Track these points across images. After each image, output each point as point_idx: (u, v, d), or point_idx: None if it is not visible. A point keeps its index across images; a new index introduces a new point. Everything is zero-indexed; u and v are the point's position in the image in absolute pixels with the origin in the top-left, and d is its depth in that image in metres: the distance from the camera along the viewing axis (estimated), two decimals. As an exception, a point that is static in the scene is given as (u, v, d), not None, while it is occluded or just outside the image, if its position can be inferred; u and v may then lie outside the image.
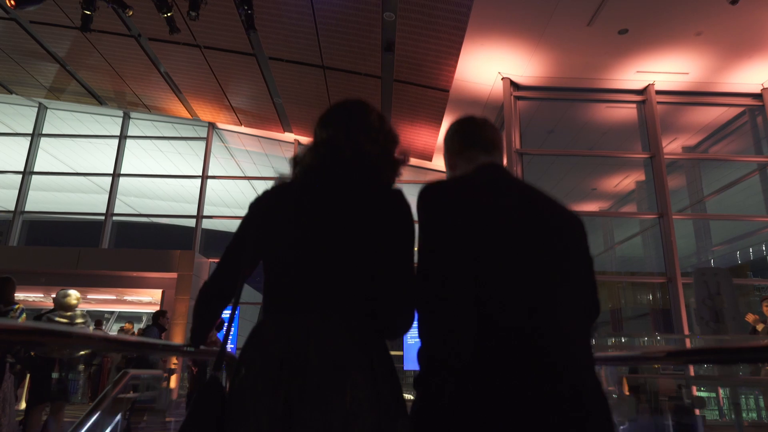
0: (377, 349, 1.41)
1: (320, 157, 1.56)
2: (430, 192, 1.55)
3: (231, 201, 20.07)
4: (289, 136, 16.43)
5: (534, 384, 1.24)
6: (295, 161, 1.64)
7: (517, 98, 11.33)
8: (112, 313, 23.57)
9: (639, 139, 12.49)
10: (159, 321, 7.52)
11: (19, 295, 18.14)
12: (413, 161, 16.32)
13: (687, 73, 10.58)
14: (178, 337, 13.82)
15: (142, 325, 16.66)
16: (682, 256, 11.69)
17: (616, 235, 17.52)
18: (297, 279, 1.42)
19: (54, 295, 6.20)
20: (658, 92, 11.10)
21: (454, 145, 1.81)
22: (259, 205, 1.59)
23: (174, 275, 14.54)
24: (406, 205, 1.58)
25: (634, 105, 11.69)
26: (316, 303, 1.39)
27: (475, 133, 1.73)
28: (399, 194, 1.61)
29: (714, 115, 12.35)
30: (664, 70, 10.51)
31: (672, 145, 12.88)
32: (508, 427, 1.21)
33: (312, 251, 1.44)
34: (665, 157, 10.95)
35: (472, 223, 1.39)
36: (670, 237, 10.43)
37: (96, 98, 15.19)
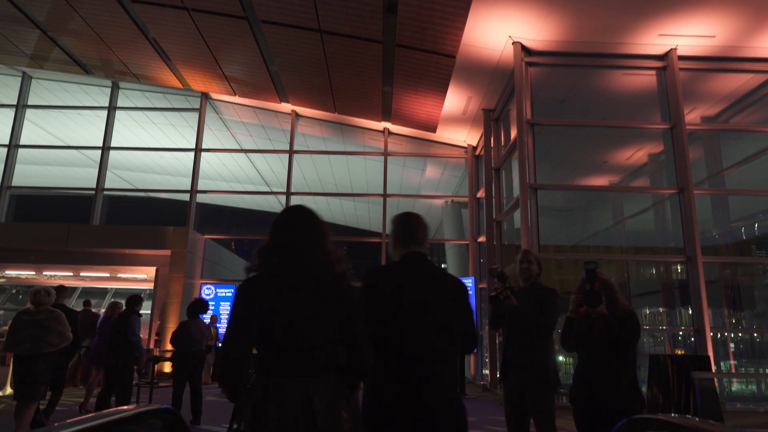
0: (346, 390, 2.00)
1: (285, 260, 2.06)
2: (368, 275, 2.36)
3: (228, 175, 19.43)
4: (286, 107, 15.68)
5: (406, 394, 2.15)
6: (261, 256, 2.09)
7: (529, 64, 10.56)
8: (107, 290, 23.19)
9: (656, 109, 11.74)
10: (136, 308, 6.95)
11: (11, 273, 17.73)
12: (416, 133, 15.59)
13: (713, 36, 9.79)
14: (173, 318, 13.33)
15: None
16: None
17: (626, 209, 16.89)
18: (291, 350, 1.93)
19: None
20: (681, 58, 10.32)
21: (394, 238, 2.56)
22: (254, 289, 2.01)
23: (167, 252, 13.98)
24: (352, 289, 2.09)
25: (654, 72, 10.92)
26: (308, 367, 1.94)
27: (408, 230, 2.52)
28: (347, 282, 2.11)
29: (737, 83, 11.58)
30: (688, 33, 9.71)
31: (690, 116, 12.12)
32: (387, 420, 2.13)
33: (299, 329, 1.95)
34: (687, 127, 10.23)
35: (388, 296, 2.28)
36: (690, 213, 9.79)
37: (81, 67, 14.41)
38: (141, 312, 7.22)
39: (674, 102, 10.31)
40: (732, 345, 12.12)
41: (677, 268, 15.28)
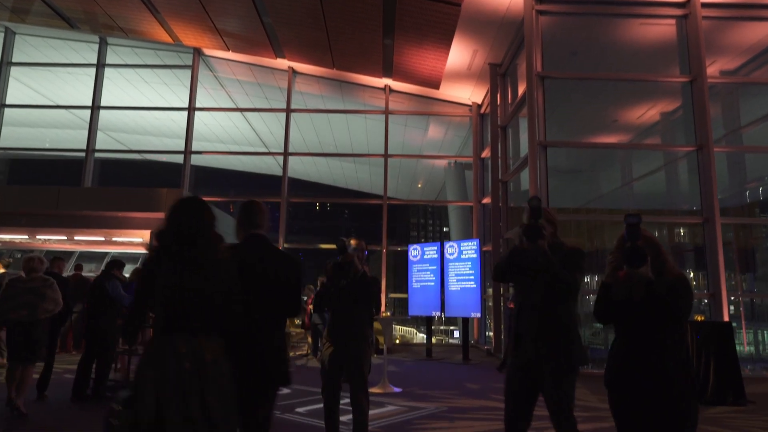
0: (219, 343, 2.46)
1: (179, 240, 2.43)
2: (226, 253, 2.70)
3: (225, 136, 18.82)
4: (283, 63, 14.97)
5: (242, 347, 2.61)
6: (159, 238, 2.48)
7: (540, 12, 9.86)
8: (104, 254, 22.81)
9: (673, 64, 11.07)
10: (114, 272, 6.53)
11: (4, 237, 17.32)
12: (418, 90, 14.91)
13: (740, -21, 9.06)
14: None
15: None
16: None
17: (635, 170, 16.33)
18: (184, 313, 2.38)
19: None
20: (704, 5, 9.61)
21: (238, 222, 2.99)
22: (154, 265, 2.42)
23: (161, 215, 13.46)
24: (230, 264, 2.56)
25: (673, 21, 10.22)
26: (199, 327, 2.38)
27: (250, 216, 2.98)
28: (226, 261, 2.55)
29: (761, 33, 10.86)
30: (714, -25, 9.00)
31: (708, 70, 11.46)
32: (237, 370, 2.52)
33: (191, 298, 2.39)
34: (708, 80, 9.59)
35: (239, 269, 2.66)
36: (709, 172, 9.26)
37: (66, 21, 13.67)
38: (124, 276, 6.79)
39: (695, 53, 9.66)
40: (731, 308, 11.79)
41: (683, 231, 14.83)
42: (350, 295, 3.76)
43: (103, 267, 6.77)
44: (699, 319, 6.61)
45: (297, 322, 12.35)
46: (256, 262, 2.78)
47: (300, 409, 5.64)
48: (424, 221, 75.91)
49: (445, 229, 64.12)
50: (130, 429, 2.17)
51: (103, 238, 16.55)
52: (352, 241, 3.92)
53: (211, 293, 2.38)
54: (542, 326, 2.85)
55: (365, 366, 3.73)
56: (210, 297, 2.37)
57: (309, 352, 10.80)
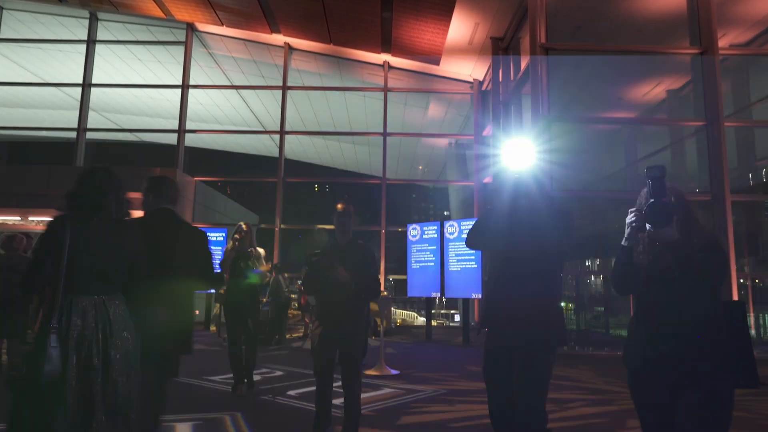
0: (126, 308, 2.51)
1: (85, 203, 2.47)
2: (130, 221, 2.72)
3: (221, 116, 18.42)
4: (279, 39, 14.54)
5: (148, 313, 2.61)
6: (69, 201, 2.50)
7: (545, -19, 9.45)
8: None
9: (681, 38, 10.69)
10: None
11: (-3, 218, 17.02)
12: (418, 67, 14.49)
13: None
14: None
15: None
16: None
17: (640, 150, 15.99)
18: (88, 274, 2.39)
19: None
20: (716, -28, 9.20)
21: (148, 196, 3.08)
22: (62, 226, 2.37)
23: (155, 195, 13.19)
24: (134, 229, 2.60)
25: (683, -9, 9.80)
26: (103, 288, 2.42)
27: (161, 190, 3.08)
28: (128, 224, 2.63)
29: (774, 3, 10.44)
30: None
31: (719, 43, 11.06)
32: None
33: (96, 259, 2.41)
34: (720, 52, 9.21)
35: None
36: (719, 148, 8.92)
37: (54, -7, 13.23)
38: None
39: (706, 23, 9.26)
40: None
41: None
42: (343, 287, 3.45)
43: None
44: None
45: (295, 304, 12.10)
46: (164, 235, 2.86)
47: (292, 392, 5.38)
48: (425, 204, 75.60)
49: (445, 213, 63.86)
50: (30, 381, 2.19)
51: (97, 219, 16.28)
52: (339, 206, 3.60)
53: (115, 255, 2.43)
54: (518, 297, 2.42)
55: (359, 347, 3.42)
56: (113, 258, 2.42)
57: (304, 334, 10.57)
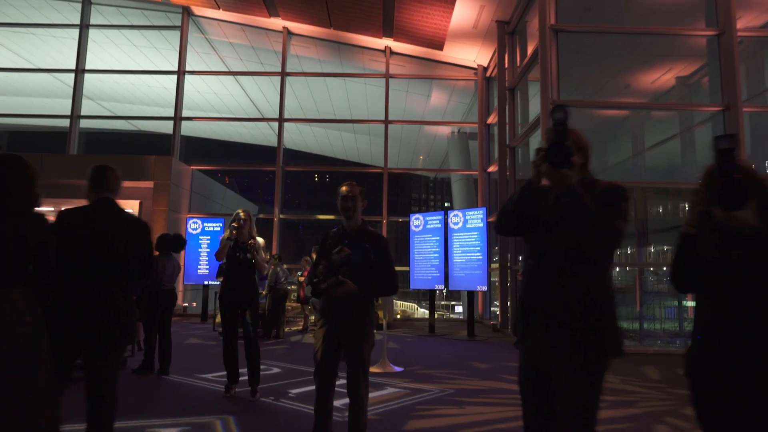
0: (34, 300, 2.39)
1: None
2: (61, 214, 2.84)
3: (218, 103, 18.03)
4: (277, 23, 14.11)
5: (73, 304, 2.68)
6: None
7: (555, -40, 9.01)
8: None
9: (696, 20, 10.26)
10: None
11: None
12: (421, 52, 14.07)
13: None
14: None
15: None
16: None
17: (648, 140, 15.58)
18: None
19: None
20: (734, -50, 8.77)
21: (90, 184, 3.02)
22: None
23: (150, 184, 12.83)
24: (39, 221, 2.45)
25: (699, -31, 9.37)
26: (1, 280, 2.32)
27: (102, 179, 3.00)
28: (43, 218, 2.49)
29: (793, -15, 10.02)
30: None
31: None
32: (64, 327, 2.65)
33: None
34: (738, 34, 8.79)
35: (76, 228, 2.76)
36: (737, 134, 8.51)
37: (45, -25, 12.78)
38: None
39: (723, 3, 8.84)
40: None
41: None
42: (347, 261, 2.99)
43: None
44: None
45: (293, 296, 11.76)
46: (103, 225, 2.80)
47: (290, 392, 5.04)
48: (425, 196, 75.16)
49: (446, 204, 63.39)
50: None
51: (91, 209, 15.92)
52: (343, 188, 3.17)
53: (13, 247, 2.31)
54: (559, 297, 1.93)
55: (366, 347, 3.03)
56: (10, 251, 2.30)
57: (303, 327, 10.22)
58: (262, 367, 4.91)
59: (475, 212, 10.23)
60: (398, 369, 6.25)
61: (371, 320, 3.08)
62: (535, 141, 11.76)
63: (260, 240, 5.11)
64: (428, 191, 75.04)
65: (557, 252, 1.98)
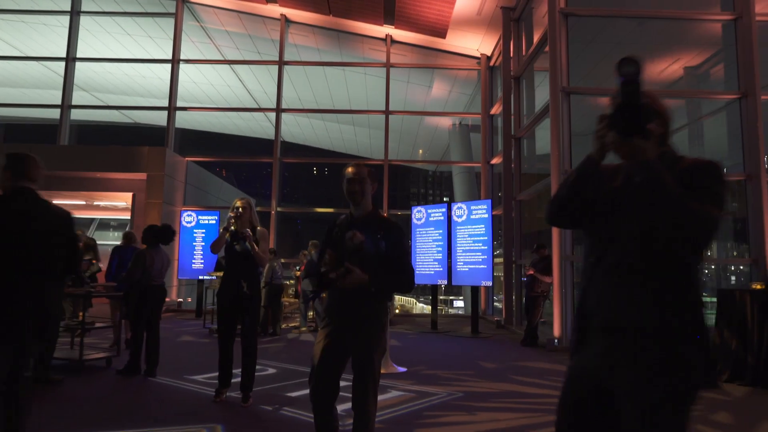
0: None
1: None
2: None
3: (215, 94, 17.61)
4: (275, 10, 13.68)
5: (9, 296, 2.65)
6: None
7: (565, -61, 8.60)
8: (92, 220, 21.85)
9: (708, 5, 9.85)
10: None
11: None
12: (422, 40, 13.65)
13: None
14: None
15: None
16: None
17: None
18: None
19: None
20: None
21: (7, 173, 2.82)
22: None
23: (143, 176, 12.42)
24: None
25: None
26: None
27: (22, 167, 2.82)
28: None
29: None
30: None
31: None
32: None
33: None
34: (756, 18, 8.40)
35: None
36: (755, 122, 8.14)
37: (33, -41, 12.32)
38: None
39: (741, -14, 8.44)
40: (733, 278, 10.86)
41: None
42: (360, 248, 2.52)
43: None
44: (758, 287, 5.60)
45: (290, 291, 11.37)
46: (22, 215, 2.71)
47: (289, 394, 4.66)
48: (425, 190, 74.76)
49: (445, 199, 62.93)
50: None
51: (83, 202, 15.52)
52: (349, 170, 2.70)
53: None
54: (631, 306, 1.48)
55: (377, 354, 2.57)
56: None
57: (300, 323, 9.83)
58: (256, 367, 4.50)
59: (480, 205, 9.84)
60: (402, 369, 5.88)
61: (383, 322, 2.66)
62: (542, 131, 11.37)
63: (262, 230, 4.51)
64: (426, 185, 74.67)
65: (628, 247, 1.52)
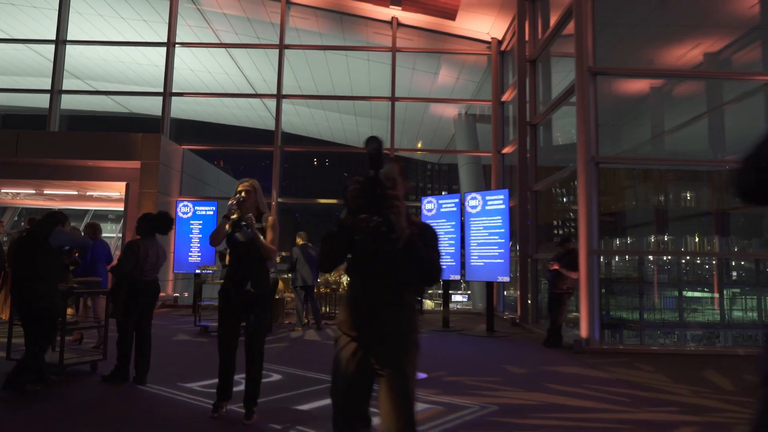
0: None
1: None
2: None
3: (212, 83, 16.94)
4: (275, -9, 13.01)
5: None
6: None
7: None
8: (86, 211, 21.19)
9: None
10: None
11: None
12: (430, 23, 13.00)
13: None
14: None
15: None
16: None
17: (667, 121, 14.60)
18: None
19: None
20: None
21: None
22: None
23: (137, 164, 11.77)
24: None
25: None
26: None
27: None
28: None
29: None
30: None
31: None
32: None
33: None
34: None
35: None
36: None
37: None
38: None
39: (783, -41, 7.81)
40: (734, 273, 10.55)
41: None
42: (387, 246, 1.89)
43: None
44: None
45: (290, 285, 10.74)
46: None
47: (303, 407, 4.05)
48: (423, 184, 74.11)
49: (453, 188, 62.27)
50: None
51: (76, 192, 14.85)
52: (369, 141, 2.01)
53: None
54: None
55: (410, 373, 2.00)
56: None
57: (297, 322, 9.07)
58: (260, 376, 3.85)
59: (496, 195, 9.21)
60: (422, 376, 5.27)
61: (417, 332, 2.06)
62: (561, 117, 10.76)
63: (271, 217, 3.80)
64: (425, 179, 74.00)
65: None
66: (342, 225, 1.89)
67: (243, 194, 3.70)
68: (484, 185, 15.56)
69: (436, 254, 2.08)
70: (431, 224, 2.22)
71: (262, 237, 3.63)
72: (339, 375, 1.99)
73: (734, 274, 10.68)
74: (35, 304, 4.40)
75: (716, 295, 8.70)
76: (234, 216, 3.64)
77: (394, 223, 1.85)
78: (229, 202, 3.67)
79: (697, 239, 9.19)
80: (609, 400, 4.51)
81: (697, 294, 9.29)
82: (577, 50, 7.83)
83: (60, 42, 13.26)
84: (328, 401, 3.94)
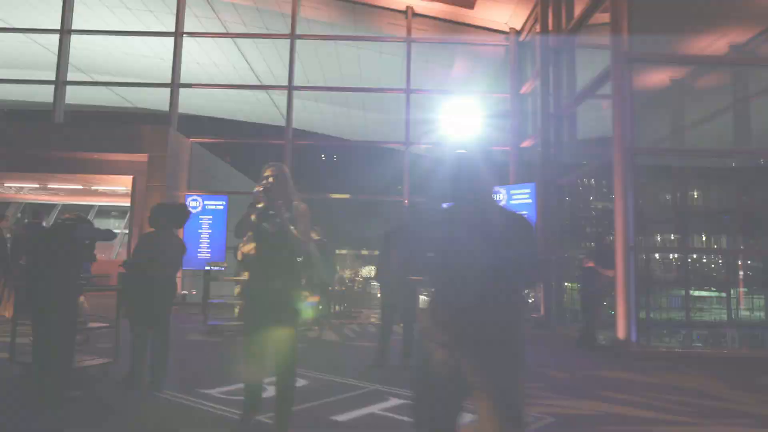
0: None
1: None
2: None
3: (220, 76, 16.58)
4: (286, -21, 12.60)
5: None
6: None
7: None
8: (91, 206, 20.83)
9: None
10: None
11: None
12: (446, 12, 12.60)
13: None
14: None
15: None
16: None
17: (687, 114, 14.17)
18: None
19: None
20: None
21: None
22: None
23: (144, 157, 11.38)
24: None
25: None
26: None
27: None
28: None
29: None
30: None
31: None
32: None
33: None
34: None
35: None
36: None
37: None
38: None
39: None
40: (741, 272, 10.28)
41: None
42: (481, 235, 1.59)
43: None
44: None
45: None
46: None
47: (339, 417, 3.64)
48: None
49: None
50: None
51: (81, 186, 14.50)
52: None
53: None
54: None
55: (514, 386, 1.61)
56: None
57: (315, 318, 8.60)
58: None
59: (523, 189, 8.82)
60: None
61: (521, 345, 1.67)
62: (588, 109, 10.33)
63: (302, 206, 3.30)
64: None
65: None
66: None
67: (270, 179, 3.27)
68: (507, 178, 15.22)
69: (531, 248, 1.70)
70: (523, 214, 1.83)
71: (292, 228, 3.19)
72: (427, 389, 1.60)
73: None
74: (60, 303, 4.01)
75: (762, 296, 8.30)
76: (260, 205, 3.22)
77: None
78: (255, 189, 3.21)
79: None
80: (672, 410, 4.10)
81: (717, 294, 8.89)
82: (612, 36, 7.41)
83: (65, 32, 12.88)
84: (367, 411, 3.50)
